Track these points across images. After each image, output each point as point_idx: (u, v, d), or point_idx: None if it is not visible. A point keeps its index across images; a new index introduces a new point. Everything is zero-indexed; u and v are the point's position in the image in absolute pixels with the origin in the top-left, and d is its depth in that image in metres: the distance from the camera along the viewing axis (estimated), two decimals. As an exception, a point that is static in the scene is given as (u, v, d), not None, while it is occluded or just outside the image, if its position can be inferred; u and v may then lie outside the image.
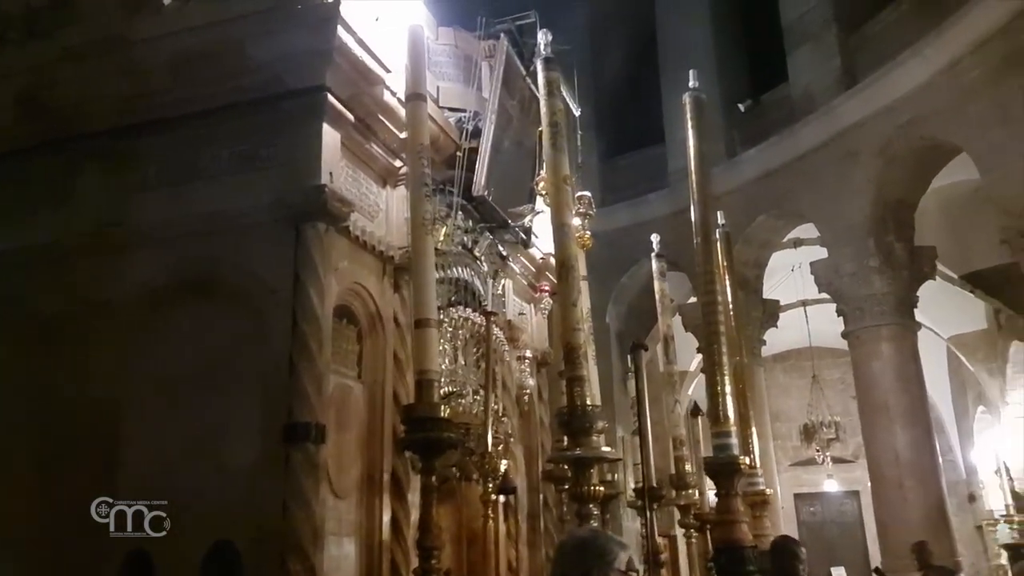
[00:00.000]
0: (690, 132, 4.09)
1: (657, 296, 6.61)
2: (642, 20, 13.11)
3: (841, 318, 9.55)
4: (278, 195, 3.94)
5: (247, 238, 4.02)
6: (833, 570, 15.38)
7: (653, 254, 6.65)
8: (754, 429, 5.73)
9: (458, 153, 5.13)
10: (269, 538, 3.59)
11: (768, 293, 12.29)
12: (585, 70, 12.99)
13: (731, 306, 6.14)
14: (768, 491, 5.58)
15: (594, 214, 5.64)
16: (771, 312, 11.04)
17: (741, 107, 10.97)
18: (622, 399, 12.24)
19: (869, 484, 9.93)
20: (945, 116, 8.34)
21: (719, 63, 11.65)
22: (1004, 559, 11.62)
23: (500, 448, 5.07)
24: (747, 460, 4.07)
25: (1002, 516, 11.43)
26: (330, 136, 4.08)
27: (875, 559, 11.70)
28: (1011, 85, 7.59)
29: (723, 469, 3.68)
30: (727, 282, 6.18)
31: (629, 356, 5.09)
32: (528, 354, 6.58)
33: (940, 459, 9.02)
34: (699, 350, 11.26)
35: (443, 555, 4.80)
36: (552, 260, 6.74)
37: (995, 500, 12.99)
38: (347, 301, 4.33)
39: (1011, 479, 11.89)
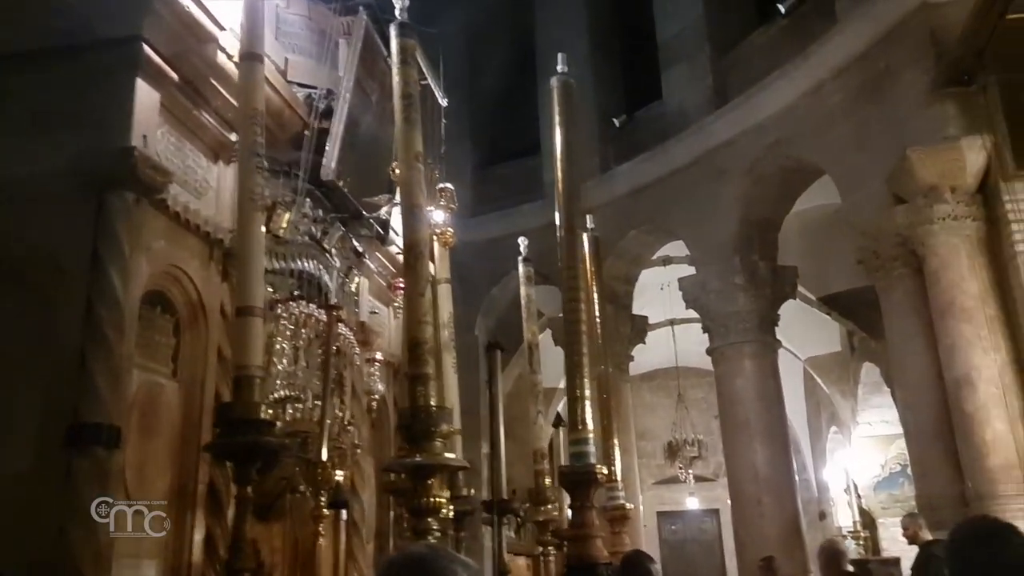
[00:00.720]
0: (556, 117, 3.79)
1: (523, 301, 6.31)
2: (521, 30, 12.98)
3: (707, 335, 9.60)
4: (78, 158, 3.35)
5: (38, 208, 3.40)
6: (694, 587, 15.63)
7: (520, 258, 6.37)
8: (616, 442, 5.51)
9: (306, 132, 4.65)
10: (46, 565, 2.98)
11: (637, 310, 12.33)
12: (462, 78, 12.73)
13: (598, 314, 5.92)
14: (628, 506, 5.35)
15: (456, 208, 5.25)
16: (639, 328, 11.01)
17: (616, 122, 10.97)
18: (489, 414, 11.90)
19: (729, 502, 9.99)
20: (809, 138, 8.54)
21: (596, 77, 11.64)
22: (851, 574, 11.99)
23: (339, 458, 4.60)
24: (606, 471, 3.78)
25: (849, 532, 11.78)
26: (146, 95, 3.53)
27: (732, 576, 11.85)
28: (869, 111, 7.82)
29: (579, 479, 3.37)
30: (594, 286, 5.96)
31: (491, 360, 4.73)
32: (380, 357, 6.12)
33: (796, 477, 9.12)
34: (568, 365, 11.09)
35: (274, 578, 4.23)
36: (414, 261, 6.32)
37: (844, 517, 13.45)
38: (163, 287, 3.76)
39: (859, 496, 12.31)
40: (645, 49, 11.01)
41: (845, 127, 8.07)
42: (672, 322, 13.73)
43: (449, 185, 5.16)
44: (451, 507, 4.54)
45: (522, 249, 6.39)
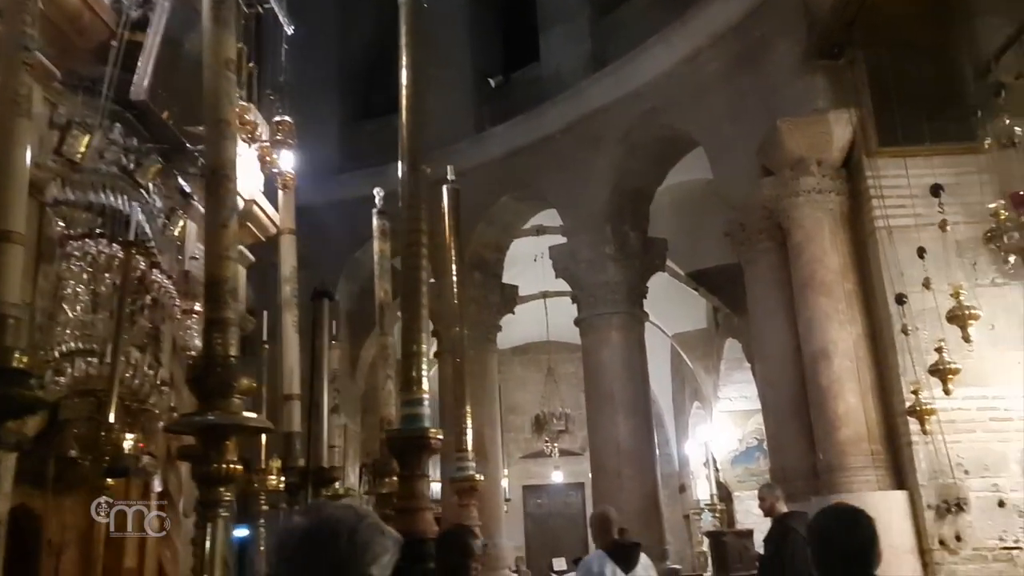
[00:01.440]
0: (402, 27, 3.31)
1: (376, 256, 5.83)
2: (399, -17, 12.30)
3: (576, 306, 9.40)
4: None
5: None
6: (554, 561, 15.61)
7: (375, 210, 5.87)
8: (468, 409, 5.14)
9: (113, 43, 3.95)
10: None
11: (509, 280, 12.02)
12: (334, 29, 11.99)
13: (455, 275, 5.50)
14: (478, 477, 5.00)
15: (294, 143, 4.68)
16: (509, 298, 10.71)
17: (492, 82, 10.54)
18: (349, 384, 11.34)
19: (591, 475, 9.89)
20: (684, 107, 8.39)
21: (473, 36, 11.18)
22: (705, 546, 12.23)
23: (148, 422, 3.99)
24: (441, 436, 3.36)
25: (706, 505, 11.99)
26: None
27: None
28: (744, 81, 7.73)
29: (409, 444, 2.95)
30: (452, 244, 5.54)
31: (316, 310, 4.22)
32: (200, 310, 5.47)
33: (657, 450, 9.08)
34: (434, 333, 10.65)
35: (66, 558, 3.61)
36: (255, 208, 5.69)
37: (703, 490, 13.74)
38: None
39: (717, 470, 12.56)
40: (525, 9, 10.62)
41: (720, 97, 7.96)
42: (545, 295, 13.52)
43: (287, 118, 4.59)
44: (282, 479, 4.05)
45: (377, 201, 5.88)
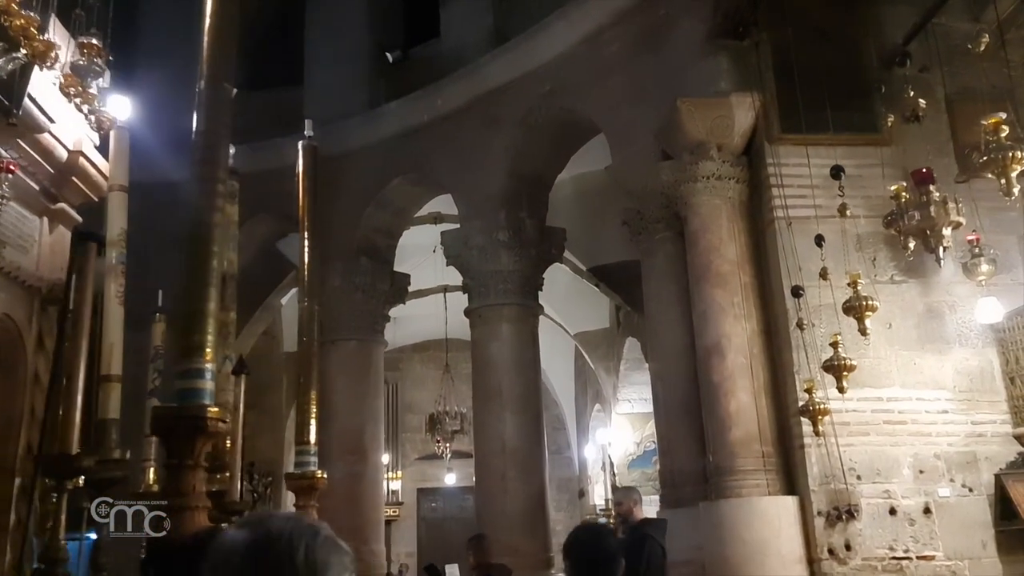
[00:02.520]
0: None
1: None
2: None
3: (467, 296, 8.82)
4: None
5: None
6: (447, 567, 14.99)
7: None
8: (314, 395, 4.49)
9: None
10: None
11: (406, 272, 11.34)
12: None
13: (307, 241, 4.86)
14: (320, 475, 4.36)
15: (105, 71, 3.96)
16: (400, 287, 10.04)
17: (390, 57, 9.86)
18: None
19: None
20: (584, 88, 7.92)
21: (373, 7, 10.48)
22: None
23: None
24: (225, 419, 2.71)
25: (601, 510, 11.58)
26: None
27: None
28: (646, 61, 7.31)
29: (177, 425, 2.36)
30: (306, 204, 4.90)
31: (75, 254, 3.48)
32: (24, 281, 4.66)
33: (546, 450, 8.58)
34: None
35: None
36: (82, 161, 4.94)
37: (600, 495, 13.35)
38: None
39: (614, 474, 12.18)
40: (427, -19, 10.02)
41: (621, 78, 7.52)
42: (445, 288, 12.91)
43: (95, 40, 3.85)
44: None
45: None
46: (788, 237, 6.11)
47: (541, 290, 8.85)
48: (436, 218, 10.79)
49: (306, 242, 4.87)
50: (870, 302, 4.58)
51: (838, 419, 5.75)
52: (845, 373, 4.97)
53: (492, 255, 8.41)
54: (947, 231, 3.90)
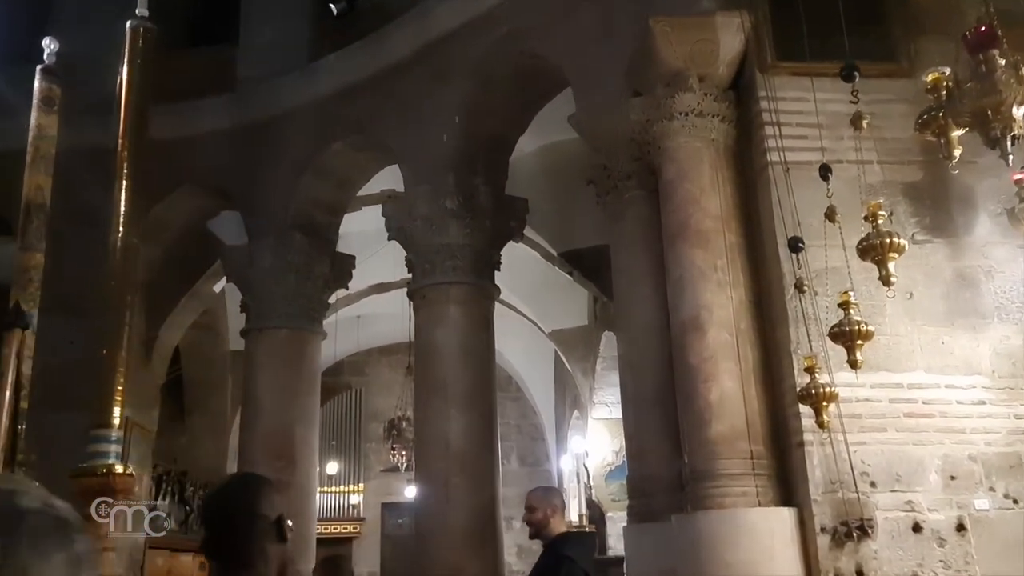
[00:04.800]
0: None
1: (31, 132, 4.04)
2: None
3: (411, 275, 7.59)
4: None
5: None
6: (410, 589, 13.69)
7: (40, 67, 4.04)
8: (122, 368, 3.32)
9: None
10: None
11: (368, 263, 10.13)
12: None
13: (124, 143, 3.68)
14: (122, 469, 3.16)
15: None
16: (342, 270, 8.80)
17: (334, 8, 8.67)
18: (142, 374, 9.18)
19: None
20: (547, 27, 6.74)
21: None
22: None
23: None
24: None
25: (575, 527, 10.29)
26: None
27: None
28: (616, -10, 6.14)
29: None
30: (128, 100, 3.71)
31: None
32: None
33: (499, 454, 7.32)
34: (242, 307, 8.67)
35: None
36: None
37: (576, 510, 12.04)
38: None
39: (589, 487, 10.91)
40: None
41: (590, 13, 6.34)
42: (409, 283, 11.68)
43: None
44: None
45: (46, 55, 4.08)
46: (785, 186, 4.90)
47: (498, 270, 7.62)
48: (390, 196, 9.57)
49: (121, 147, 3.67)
50: (896, 240, 3.35)
51: (848, 410, 4.53)
52: (859, 342, 3.73)
53: (439, 226, 7.20)
54: (1020, 112, 2.74)
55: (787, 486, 4.66)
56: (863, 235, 3.55)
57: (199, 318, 11.43)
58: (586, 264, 9.71)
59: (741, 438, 4.64)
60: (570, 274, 10.04)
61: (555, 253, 9.93)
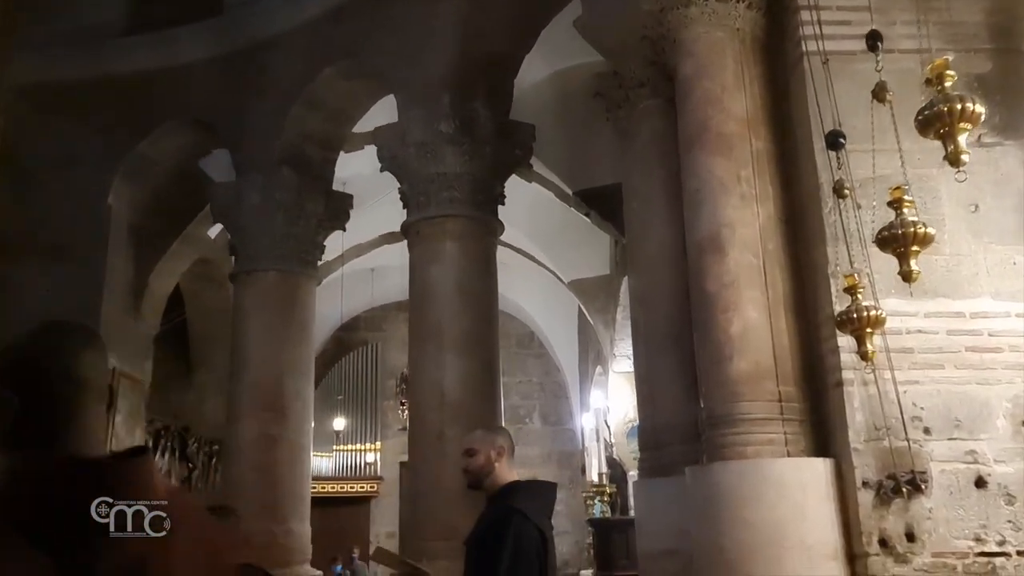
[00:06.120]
0: None
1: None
2: None
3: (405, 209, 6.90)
4: None
5: None
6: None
7: None
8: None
9: None
10: None
11: (379, 210, 9.48)
12: None
13: None
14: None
15: None
16: (338, 209, 8.13)
17: (324, -78, 7.89)
18: (129, 322, 8.67)
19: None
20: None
21: None
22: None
23: None
24: None
25: (594, 487, 9.67)
26: None
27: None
28: None
29: None
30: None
31: None
32: None
33: (501, 406, 6.66)
34: (230, 250, 8.08)
35: None
36: None
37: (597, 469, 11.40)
38: None
39: (610, 445, 10.26)
40: None
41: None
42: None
43: None
44: None
45: None
46: (824, 81, 4.09)
47: (502, 203, 6.89)
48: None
49: None
50: (972, 107, 2.55)
51: (897, 343, 3.77)
52: (914, 248, 2.95)
53: (434, 153, 6.48)
54: None
55: (822, 433, 3.93)
56: (925, 105, 2.73)
57: (202, 268, 10.92)
58: (604, 204, 8.93)
59: (767, 377, 3.91)
60: (587, 215, 9.29)
61: (570, 192, 9.16)
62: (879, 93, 3.23)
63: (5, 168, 8.32)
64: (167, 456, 9.91)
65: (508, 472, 2.80)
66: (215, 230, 9.35)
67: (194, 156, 8.79)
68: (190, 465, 10.44)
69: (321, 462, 14.39)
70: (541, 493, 2.80)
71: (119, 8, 8.50)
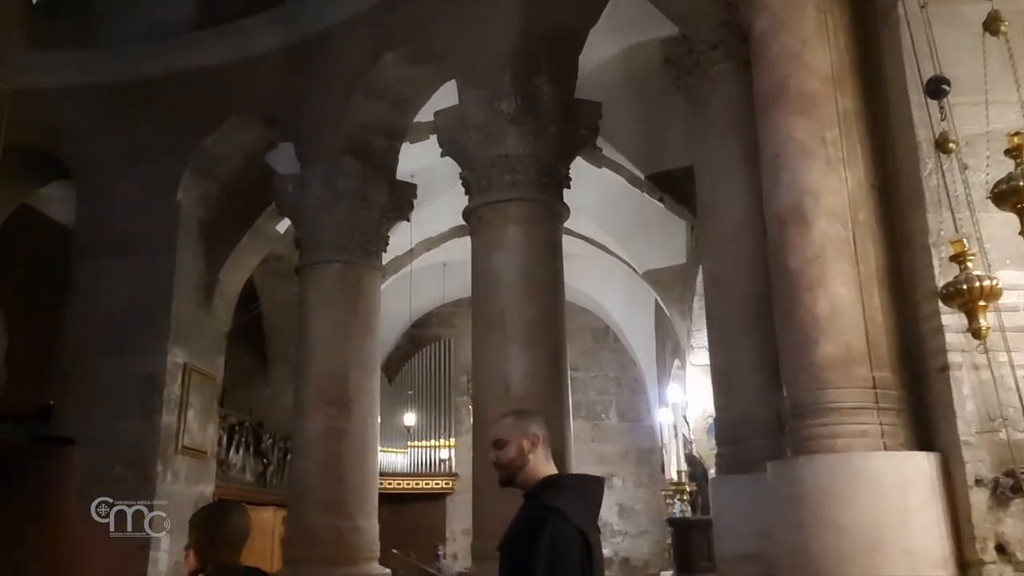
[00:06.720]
0: None
1: None
2: None
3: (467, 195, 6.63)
4: None
5: None
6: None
7: None
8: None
9: None
10: None
11: (449, 202, 9.21)
12: None
13: None
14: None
15: None
16: (402, 200, 7.95)
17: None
18: (202, 316, 8.70)
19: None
20: None
21: None
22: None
23: None
24: None
25: (672, 485, 9.22)
26: None
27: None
28: None
29: None
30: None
31: None
32: None
33: (570, 400, 6.33)
34: (296, 243, 7.97)
35: None
36: None
37: (675, 467, 10.92)
38: None
39: (690, 441, 9.79)
40: None
41: None
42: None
43: None
44: None
45: None
46: (922, 28, 3.61)
47: (567, 186, 6.55)
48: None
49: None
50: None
51: (1014, 321, 3.28)
52: (1040, 208, 2.51)
53: (495, 135, 6.20)
54: None
55: (925, 424, 3.46)
56: None
57: (275, 263, 10.94)
58: (678, 187, 8.49)
59: (859, 361, 3.46)
60: (661, 200, 8.84)
61: (642, 177, 8.75)
62: (991, 24, 2.79)
63: (80, 167, 8.48)
64: (241, 452, 9.90)
65: (545, 465, 2.45)
66: (284, 224, 9.31)
67: (261, 150, 8.75)
68: (265, 461, 10.45)
69: (396, 458, 14.33)
70: (585, 489, 2.43)
71: (188, 4, 8.53)
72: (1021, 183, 2.51)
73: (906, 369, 3.53)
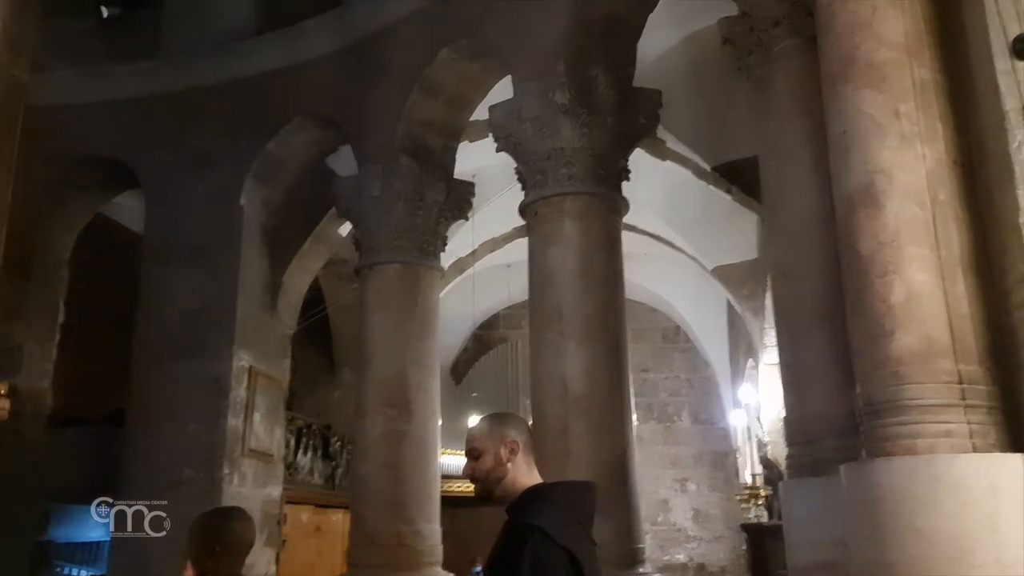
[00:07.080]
0: None
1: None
2: None
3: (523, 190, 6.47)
4: None
5: None
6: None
7: None
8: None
9: None
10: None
11: (511, 202, 9.06)
12: None
13: None
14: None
15: None
16: (460, 199, 7.84)
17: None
18: (268, 320, 8.77)
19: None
20: None
21: None
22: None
23: None
24: None
25: (747, 490, 8.86)
26: None
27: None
28: None
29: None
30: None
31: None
32: None
33: (631, 399, 6.09)
34: (355, 244, 7.95)
35: None
36: None
37: (750, 471, 10.52)
38: None
39: (764, 444, 9.40)
40: None
41: None
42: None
43: None
44: None
45: None
46: (1005, -7, 3.30)
47: (625, 178, 6.32)
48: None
49: None
50: None
51: (1119, 306, 2.93)
52: None
53: (550, 127, 6.02)
54: None
55: (1016, 423, 3.12)
56: None
57: (340, 267, 11.01)
58: (745, 178, 8.17)
59: (942, 354, 3.15)
60: (728, 192, 8.52)
61: (708, 168, 8.44)
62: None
63: (148, 176, 8.66)
64: (310, 455, 9.96)
65: (526, 473, 2.18)
66: (346, 228, 9.33)
67: (321, 153, 8.80)
68: (333, 463, 10.49)
69: (461, 461, 14.24)
70: (572, 499, 2.17)
71: (250, 10, 8.62)
72: None
73: (996, 361, 3.20)
